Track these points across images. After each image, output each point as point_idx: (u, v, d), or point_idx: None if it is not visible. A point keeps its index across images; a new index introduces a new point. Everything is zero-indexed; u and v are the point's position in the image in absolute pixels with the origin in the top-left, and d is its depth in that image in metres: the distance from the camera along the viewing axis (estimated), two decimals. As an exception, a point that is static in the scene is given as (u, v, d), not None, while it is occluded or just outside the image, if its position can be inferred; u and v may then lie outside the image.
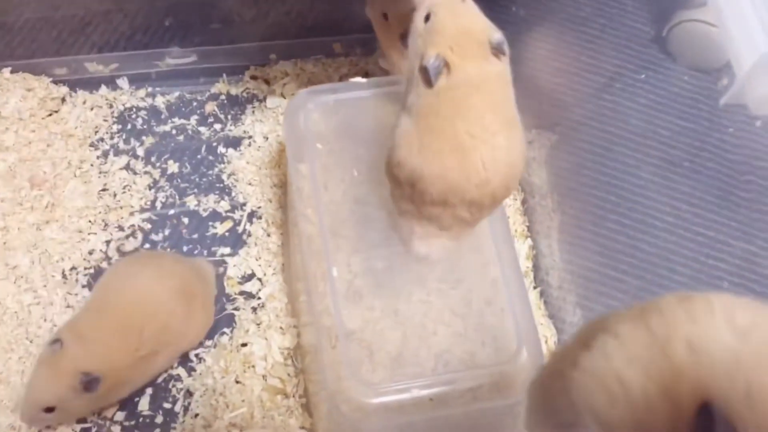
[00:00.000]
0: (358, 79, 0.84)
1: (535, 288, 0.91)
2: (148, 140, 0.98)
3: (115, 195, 0.94)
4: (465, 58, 0.61)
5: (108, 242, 0.91)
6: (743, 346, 0.36)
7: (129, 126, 0.99)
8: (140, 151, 0.97)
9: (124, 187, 0.94)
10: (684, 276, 0.88)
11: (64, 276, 0.88)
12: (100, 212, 0.92)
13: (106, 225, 0.92)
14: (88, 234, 0.91)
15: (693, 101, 1.01)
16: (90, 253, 0.90)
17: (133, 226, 0.92)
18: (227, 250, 0.91)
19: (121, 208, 0.93)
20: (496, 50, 0.62)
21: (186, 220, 0.93)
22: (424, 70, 0.61)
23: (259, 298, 0.88)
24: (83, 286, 0.88)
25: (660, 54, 1.04)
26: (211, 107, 1.01)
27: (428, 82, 0.61)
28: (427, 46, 0.62)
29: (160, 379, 0.84)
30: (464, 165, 0.61)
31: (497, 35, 0.62)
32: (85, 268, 0.89)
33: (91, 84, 1.01)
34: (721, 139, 0.98)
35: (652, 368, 0.37)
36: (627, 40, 1.04)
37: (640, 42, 1.05)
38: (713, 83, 1.02)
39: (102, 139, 0.97)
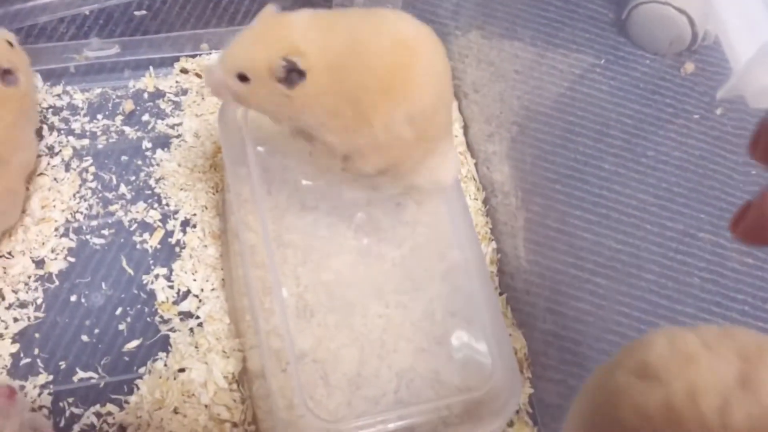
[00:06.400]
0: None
1: (501, 294, 0.84)
2: (66, 143, 0.87)
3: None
4: None
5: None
6: None
7: (43, 128, 0.88)
8: (57, 156, 0.87)
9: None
10: (653, 273, 0.84)
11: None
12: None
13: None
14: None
15: (655, 87, 0.97)
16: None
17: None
18: (161, 267, 0.82)
19: (44, 220, 0.82)
20: None
21: (111, 232, 0.83)
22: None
23: (198, 318, 0.79)
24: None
25: (619, 37, 0.99)
26: (130, 105, 0.90)
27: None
28: None
29: (88, 415, 0.74)
30: None
31: None
32: None
33: (-1, 81, 0.89)
34: (686, 126, 0.94)
35: None
36: (585, 24, 1.00)
37: (598, 26, 1.00)
38: (676, 68, 0.98)
39: (13, 144, 0.86)
